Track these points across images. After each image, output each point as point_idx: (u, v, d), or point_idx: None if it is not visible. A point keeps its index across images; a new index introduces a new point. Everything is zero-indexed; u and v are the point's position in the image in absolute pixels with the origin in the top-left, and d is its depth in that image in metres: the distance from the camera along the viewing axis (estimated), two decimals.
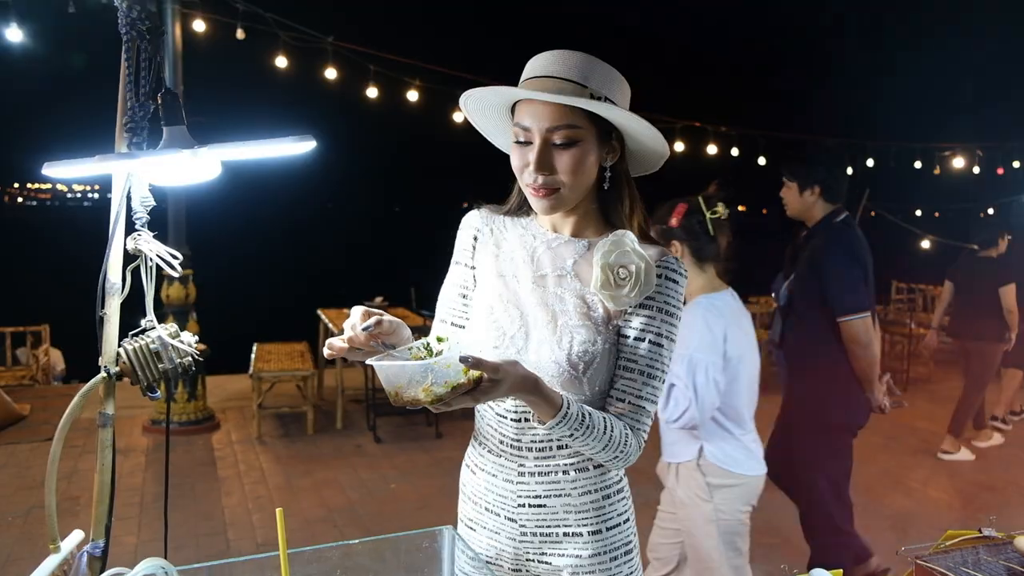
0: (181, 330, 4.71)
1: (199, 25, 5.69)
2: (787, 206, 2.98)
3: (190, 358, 1.16)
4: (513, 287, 1.33)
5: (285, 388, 5.95)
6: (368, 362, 1.09)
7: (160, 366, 1.14)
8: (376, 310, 1.16)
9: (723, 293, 2.30)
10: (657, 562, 2.47)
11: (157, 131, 1.17)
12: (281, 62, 6.30)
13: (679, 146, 8.20)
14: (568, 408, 1.16)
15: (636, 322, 1.26)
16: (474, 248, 1.40)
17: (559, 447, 1.30)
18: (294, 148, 1.19)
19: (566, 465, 1.30)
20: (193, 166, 1.15)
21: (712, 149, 8.58)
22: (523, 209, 1.39)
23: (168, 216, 5.52)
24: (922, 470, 4.88)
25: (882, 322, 7.47)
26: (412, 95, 7.10)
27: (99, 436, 1.16)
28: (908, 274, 9.10)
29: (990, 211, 12.32)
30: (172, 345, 1.14)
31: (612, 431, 1.21)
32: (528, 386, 1.11)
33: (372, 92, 6.93)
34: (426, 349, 1.15)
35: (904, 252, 9.97)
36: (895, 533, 3.90)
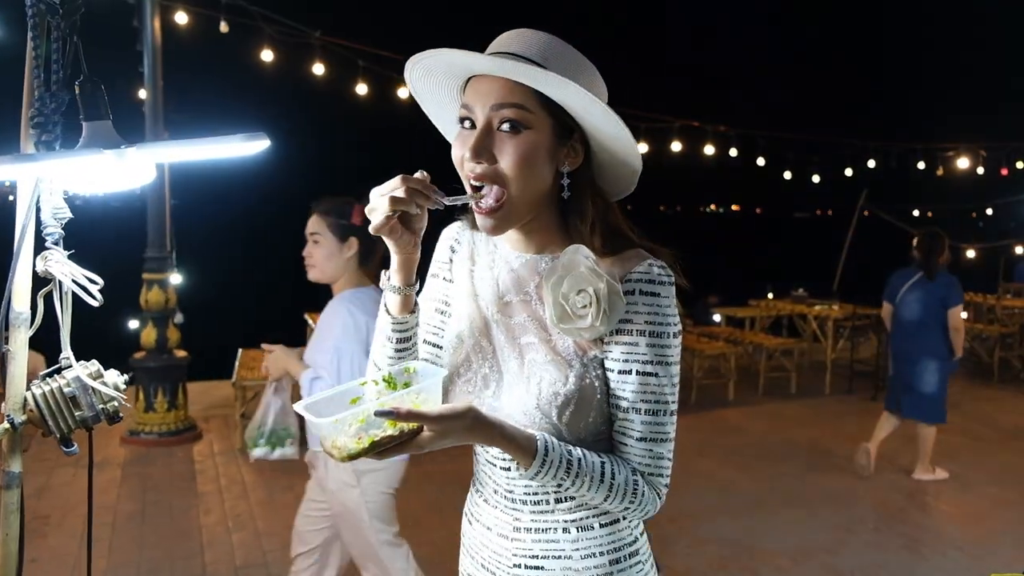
0: (163, 335, 4.40)
1: (180, 17, 5.47)
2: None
3: (116, 403, 0.95)
4: (485, 314, 1.14)
5: None
6: (296, 408, 0.98)
7: (77, 414, 0.93)
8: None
9: (367, 289, 2.39)
10: (299, 543, 2.52)
11: (77, 127, 0.97)
12: (267, 56, 6.08)
13: (676, 146, 8.01)
14: (547, 453, 0.99)
15: (617, 353, 1.06)
16: (451, 261, 1.23)
17: (558, 500, 1.10)
18: (244, 148, 0.98)
19: (566, 522, 1.11)
20: (120, 169, 0.94)
21: (710, 149, 8.40)
22: None
23: (147, 215, 5.30)
24: (933, 483, 4.69)
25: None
26: (403, 92, 6.89)
27: (2, 500, 0.95)
28: None
29: (988, 211, 12.21)
30: (93, 388, 0.93)
31: (614, 478, 1.03)
32: (486, 435, 0.97)
33: (361, 89, 6.72)
34: (387, 382, 1.02)
35: (903, 253, 9.81)
36: (909, 553, 3.72)
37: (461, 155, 1.05)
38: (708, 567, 3.52)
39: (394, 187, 0.99)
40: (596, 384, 1.06)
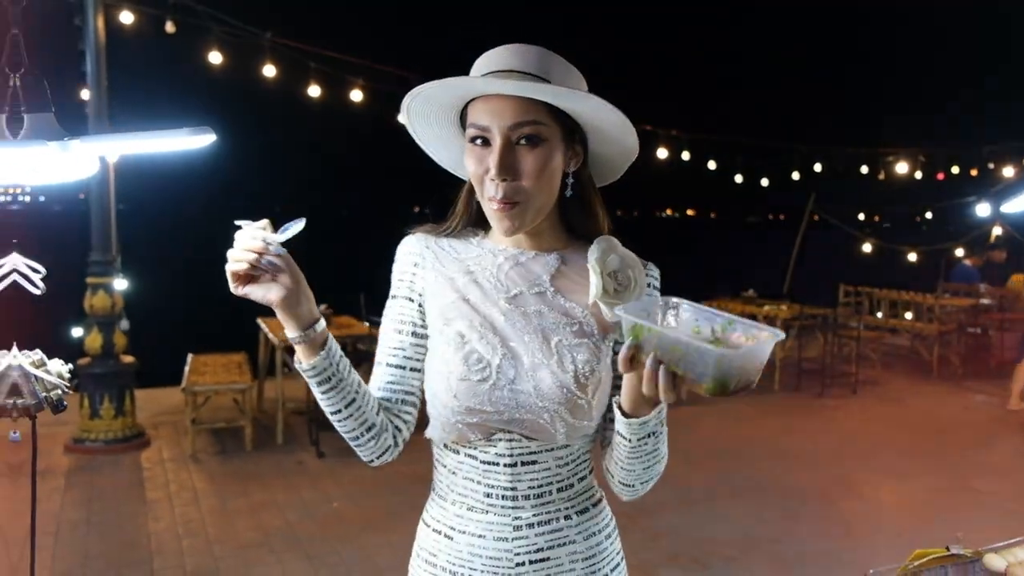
0: (109, 340, 4.37)
1: (126, 17, 5.37)
2: None
3: (59, 391, 0.95)
4: (484, 311, 1.14)
5: (222, 401, 5.64)
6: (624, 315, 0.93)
7: (19, 402, 0.93)
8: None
9: None
10: None
11: (17, 119, 0.96)
12: (215, 58, 5.99)
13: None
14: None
15: None
16: (414, 277, 1.20)
17: (559, 489, 1.14)
18: (190, 142, 0.99)
19: (567, 508, 1.15)
20: (63, 161, 0.95)
21: (663, 153, 8.54)
22: (468, 227, 1.22)
23: (91, 218, 5.17)
24: (874, 474, 4.86)
25: (831, 325, 7.52)
26: (356, 95, 6.86)
27: None
28: (853, 277, 9.21)
29: (928, 215, 12.65)
30: (35, 376, 0.93)
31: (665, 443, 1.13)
32: None
33: (314, 91, 6.67)
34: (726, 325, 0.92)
35: (849, 256, 10.12)
36: (849, 540, 3.85)
37: (481, 171, 1.09)
38: (661, 560, 3.59)
39: (231, 258, 0.98)
40: (610, 367, 1.14)
